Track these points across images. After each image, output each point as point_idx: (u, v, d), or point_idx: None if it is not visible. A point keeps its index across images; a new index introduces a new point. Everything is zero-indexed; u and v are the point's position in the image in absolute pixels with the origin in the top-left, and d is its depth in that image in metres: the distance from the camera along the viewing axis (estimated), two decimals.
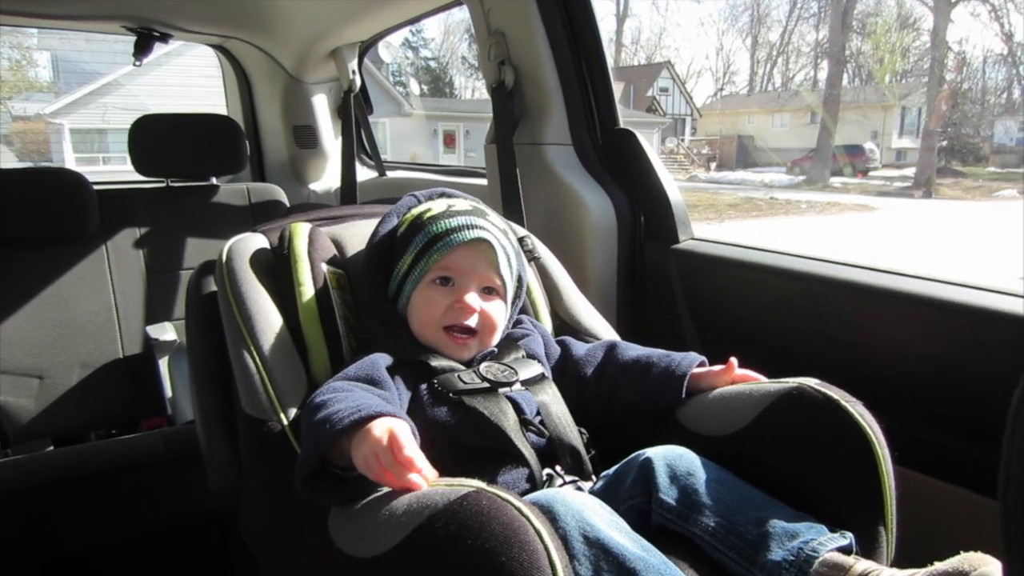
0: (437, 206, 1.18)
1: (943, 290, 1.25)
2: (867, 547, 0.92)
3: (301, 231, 1.20)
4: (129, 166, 2.30)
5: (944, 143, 21.11)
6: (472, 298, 1.11)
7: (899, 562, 0.90)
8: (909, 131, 25.34)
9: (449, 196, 1.26)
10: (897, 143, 25.27)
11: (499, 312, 1.15)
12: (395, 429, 0.84)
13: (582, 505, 0.84)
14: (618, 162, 1.80)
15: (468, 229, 1.12)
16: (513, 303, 1.22)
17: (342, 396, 0.94)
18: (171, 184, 2.41)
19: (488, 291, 1.15)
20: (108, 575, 1.62)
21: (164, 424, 2.08)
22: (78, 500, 1.55)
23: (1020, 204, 14.56)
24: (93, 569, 1.60)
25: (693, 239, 1.71)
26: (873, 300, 1.33)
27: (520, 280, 1.22)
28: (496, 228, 1.16)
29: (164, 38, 2.56)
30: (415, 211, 1.20)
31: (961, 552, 0.79)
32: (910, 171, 20.42)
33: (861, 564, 0.85)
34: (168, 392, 2.11)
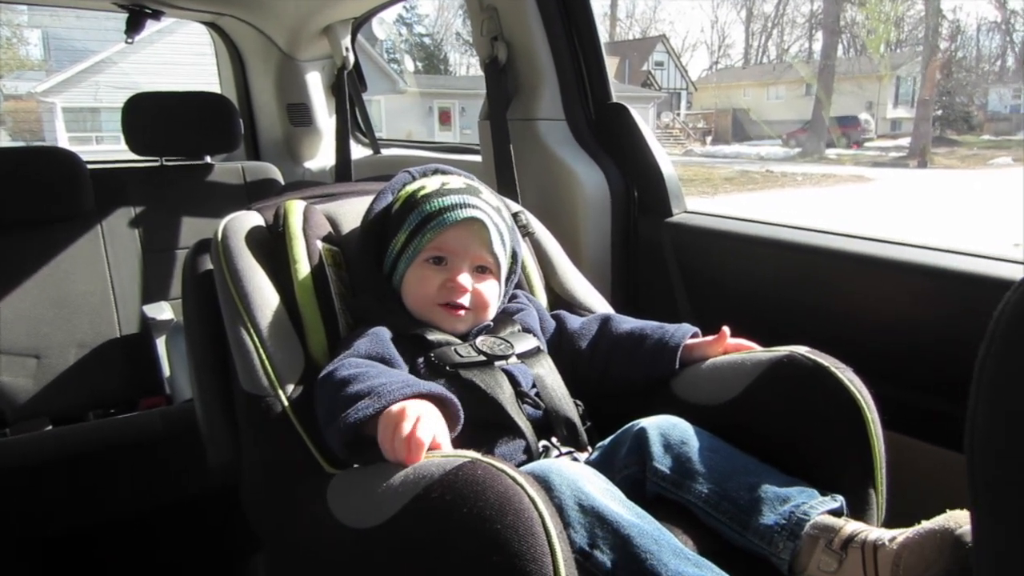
0: (431, 184, 1.19)
1: (931, 256, 1.26)
2: (858, 510, 0.94)
3: (296, 208, 1.21)
4: (123, 145, 2.29)
5: (939, 112, 21.03)
6: (464, 278, 1.12)
7: (890, 523, 0.92)
8: (904, 101, 25.22)
9: (443, 173, 1.26)
10: (892, 113, 25.16)
11: (492, 290, 1.16)
12: (425, 413, 0.85)
13: (577, 474, 0.85)
14: (611, 137, 1.81)
15: (461, 208, 1.13)
16: (508, 279, 1.23)
17: (376, 371, 0.95)
18: (165, 163, 2.40)
19: (481, 270, 1.16)
20: (108, 554, 1.64)
21: (162, 403, 2.09)
22: (77, 479, 1.57)
23: (1014, 172, 14.56)
24: (93, 548, 1.62)
25: (686, 212, 1.72)
26: (862, 268, 1.34)
27: (515, 256, 1.23)
28: (489, 206, 1.17)
29: (156, 15, 2.53)
30: (409, 188, 1.21)
31: (947, 511, 0.81)
32: (905, 141, 20.35)
33: (851, 525, 0.87)
34: (166, 371, 2.12)
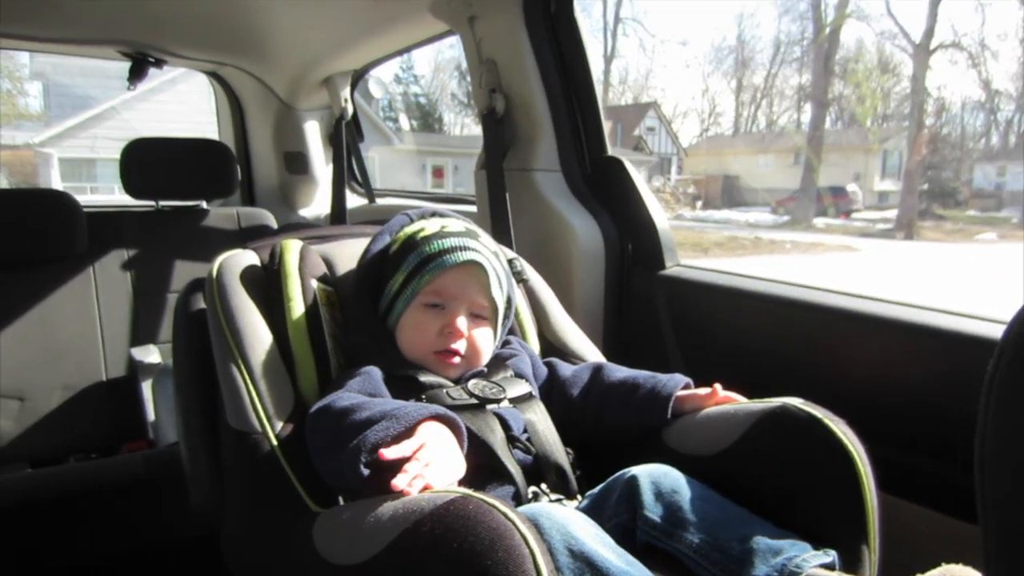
0: (431, 226, 1.19)
1: (921, 315, 1.26)
2: (851, 565, 0.92)
3: (292, 247, 1.21)
4: (117, 196, 2.30)
5: (925, 187, 21.47)
6: (462, 322, 1.12)
7: None
8: (891, 174, 25.71)
9: (442, 216, 1.26)
10: (879, 186, 25.62)
11: (486, 338, 1.16)
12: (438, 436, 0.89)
13: (567, 519, 0.84)
14: (606, 189, 1.83)
15: (461, 251, 1.13)
16: (503, 325, 1.23)
17: (381, 400, 0.98)
18: (161, 207, 2.41)
19: (477, 316, 1.15)
20: None
21: (145, 448, 2.06)
22: (55, 522, 1.53)
23: (999, 247, 14.82)
24: None
25: (679, 266, 1.73)
26: (852, 325, 1.35)
27: (510, 301, 1.23)
28: (488, 250, 1.17)
29: (158, 63, 2.59)
30: (408, 230, 1.21)
31: (943, 564, 0.80)
32: (892, 213, 20.68)
33: None
34: (151, 416, 2.09)
